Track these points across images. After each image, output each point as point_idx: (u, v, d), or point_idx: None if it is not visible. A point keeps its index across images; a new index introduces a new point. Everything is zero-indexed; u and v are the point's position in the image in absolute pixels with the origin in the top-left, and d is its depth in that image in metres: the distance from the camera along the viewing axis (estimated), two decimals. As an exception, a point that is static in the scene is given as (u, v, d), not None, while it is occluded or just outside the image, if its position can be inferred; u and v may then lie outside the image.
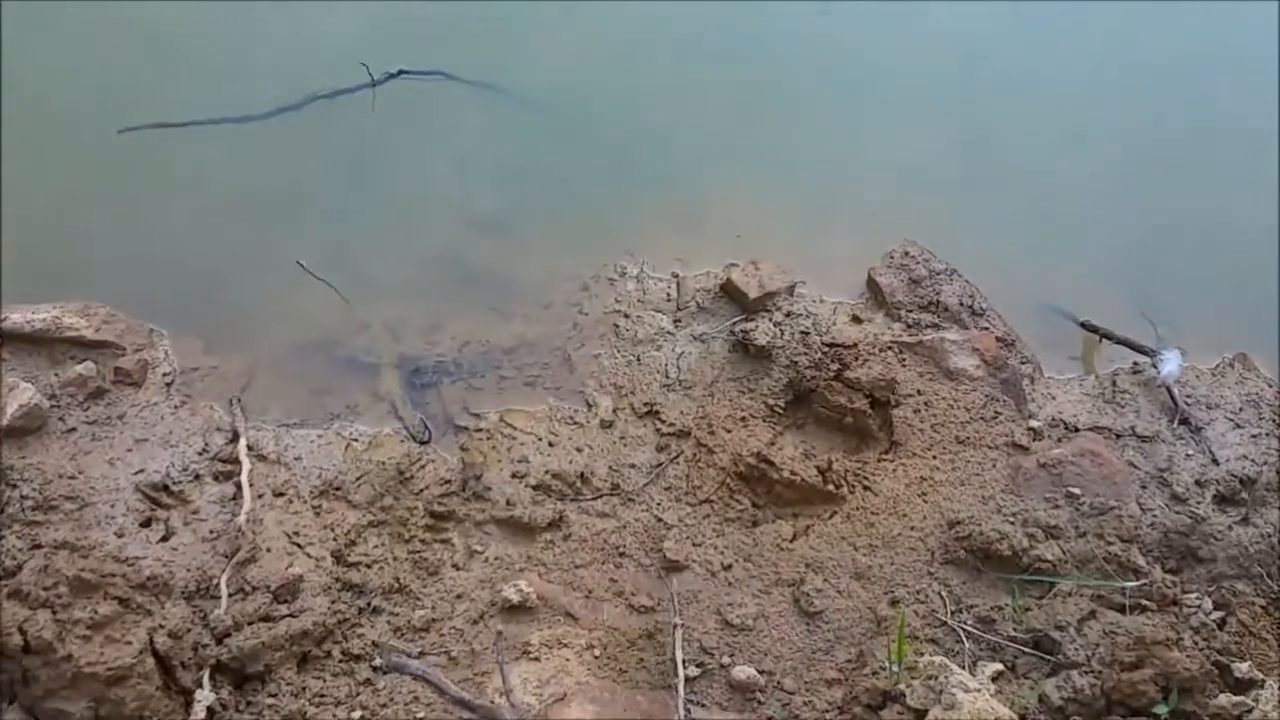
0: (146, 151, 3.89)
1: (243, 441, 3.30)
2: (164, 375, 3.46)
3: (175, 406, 3.40)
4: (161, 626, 2.60)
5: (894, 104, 4.44)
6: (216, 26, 4.26)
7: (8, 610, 2.40)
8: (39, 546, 2.85)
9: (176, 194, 3.87)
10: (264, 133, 4.01)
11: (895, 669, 2.82)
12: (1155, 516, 3.31)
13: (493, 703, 2.84)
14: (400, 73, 4.16)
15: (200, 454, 3.28)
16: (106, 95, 3.99)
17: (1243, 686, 2.80)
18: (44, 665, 2.40)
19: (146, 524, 3.09)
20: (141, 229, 3.78)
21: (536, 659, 3.00)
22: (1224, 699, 2.71)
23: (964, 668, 2.87)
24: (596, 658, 3.02)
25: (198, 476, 3.24)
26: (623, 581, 3.19)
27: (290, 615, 2.89)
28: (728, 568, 3.23)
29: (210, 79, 4.08)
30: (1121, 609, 2.99)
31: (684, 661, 2.99)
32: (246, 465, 3.24)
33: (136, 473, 3.19)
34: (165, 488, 3.17)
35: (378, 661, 2.92)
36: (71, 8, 4.18)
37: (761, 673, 2.99)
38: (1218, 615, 2.97)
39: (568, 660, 3.00)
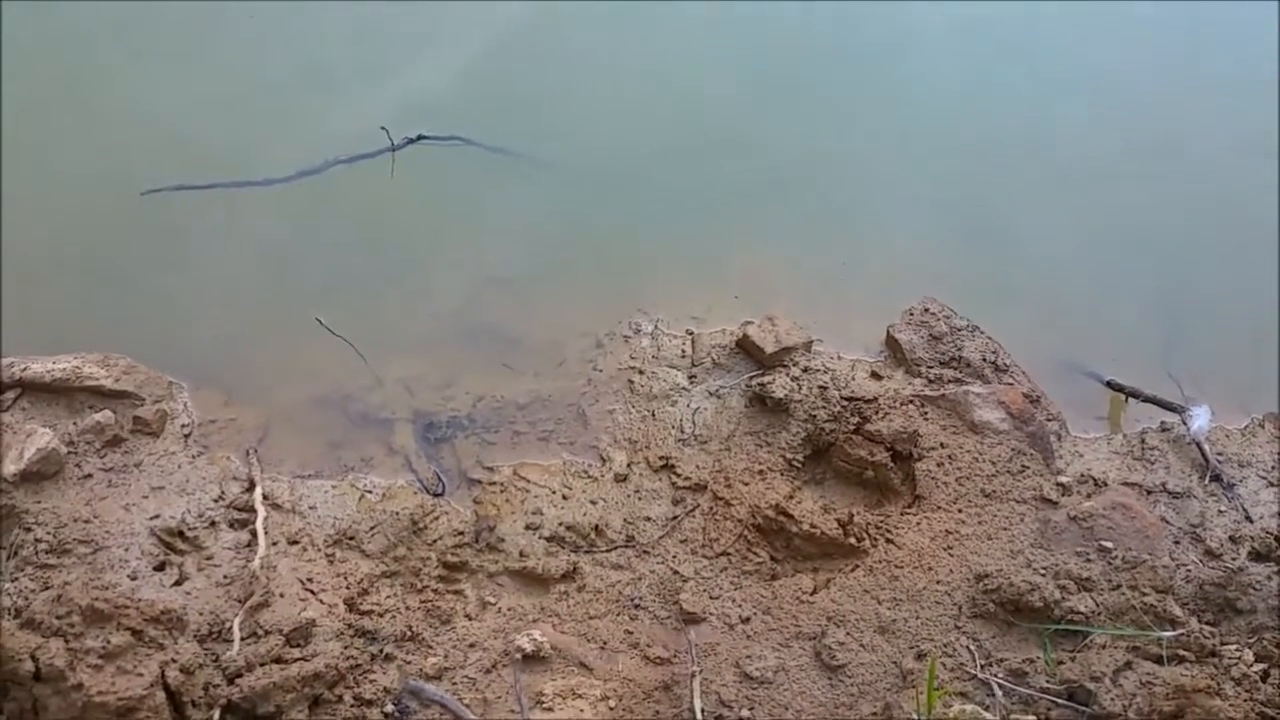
0: (170, 212, 3.94)
1: (258, 490, 3.28)
2: (182, 426, 3.45)
3: (193, 456, 3.38)
4: (174, 661, 2.54)
5: (910, 163, 4.46)
6: (241, 90, 4.36)
7: (19, 638, 2.35)
8: (51, 589, 2.80)
9: (198, 253, 3.90)
10: (285, 195, 4.06)
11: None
12: (1190, 571, 3.23)
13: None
14: (419, 137, 4.22)
15: (216, 501, 3.26)
16: (130, 157, 4.06)
17: (1288, 740, 2.68)
18: (54, 694, 2.34)
19: (160, 568, 3.06)
20: (164, 286, 3.80)
21: (550, 709, 2.91)
22: (1269, 751, 2.59)
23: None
24: (612, 709, 2.93)
25: (213, 523, 3.20)
26: (638, 633, 3.12)
27: (302, 659, 2.82)
28: (746, 620, 3.15)
29: (233, 144, 4.15)
30: (1159, 660, 2.89)
31: (703, 713, 2.89)
32: (261, 513, 3.21)
33: (152, 518, 3.17)
34: (180, 533, 3.14)
35: (389, 708, 2.85)
36: (99, 72, 4.31)
37: (783, 726, 2.89)
38: (1260, 668, 2.86)
39: (582, 711, 2.91)
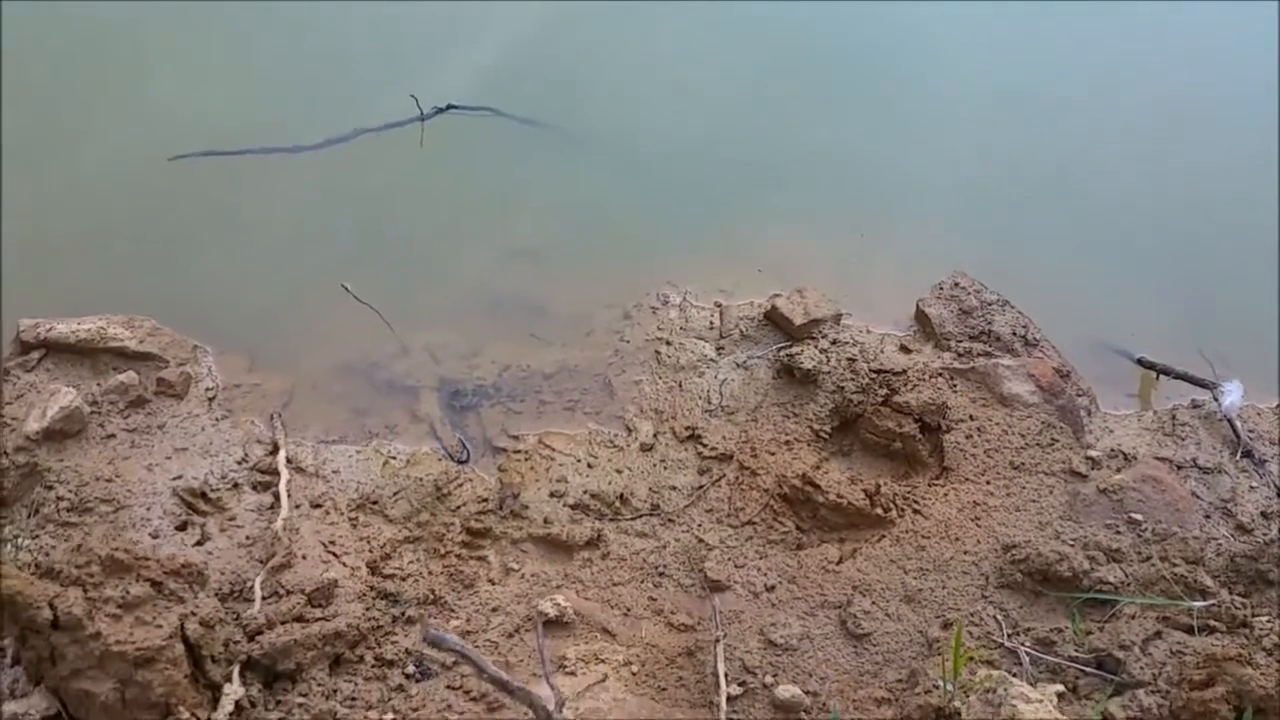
0: (198, 178, 3.95)
1: (282, 453, 3.27)
2: (206, 390, 3.45)
3: (216, 419, 3.38)
4: (194, 614, 2.53)
5: (943, 140, 4.43)
6: (270, 59, 4.36)
7: (38, 586, 2.34)
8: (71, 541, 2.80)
9: (225, 220, 3.91)
10: (313, 164, 4.06)
11: (950, 686, 2.68)
12: (1221, 545, 3.18)
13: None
14: (449, 107, 4.21)
15: (239, 464, 3.25)
16: (159, 123, 4.07)
17: (1321, 712, 2.62)
18: (72, 643, 2.33)
19: (182, 528, 3.05)
20: (190, 253, 3.81)
21: (572, 673, 2.89)
22: (1302, 721, 2.54)
23: (1022, 687, 2.72)
24: (634, 674, 2.91)
25: (236, 485, 3.20)
26: (662, 600, 3.09)
27: (323, 618, 2.81)
28: (771, 589, 3.12)
29: (261, 110, 4.15)
30: (1189, 630, 2.84)
31: (726, 678, 2.86)
32: (285, 476, 3.20)
33: (174, 479, 3.16)
34: (203, 494, 3.14)
35: (410, 669, 2.83)
36: (123, 38, 4.33)
37: (806, 693, 2.86)
38: (1292, 639, 2.81)
39: (604, 676, 2.88)
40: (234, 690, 2.55)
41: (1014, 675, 2.77)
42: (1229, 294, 4.12)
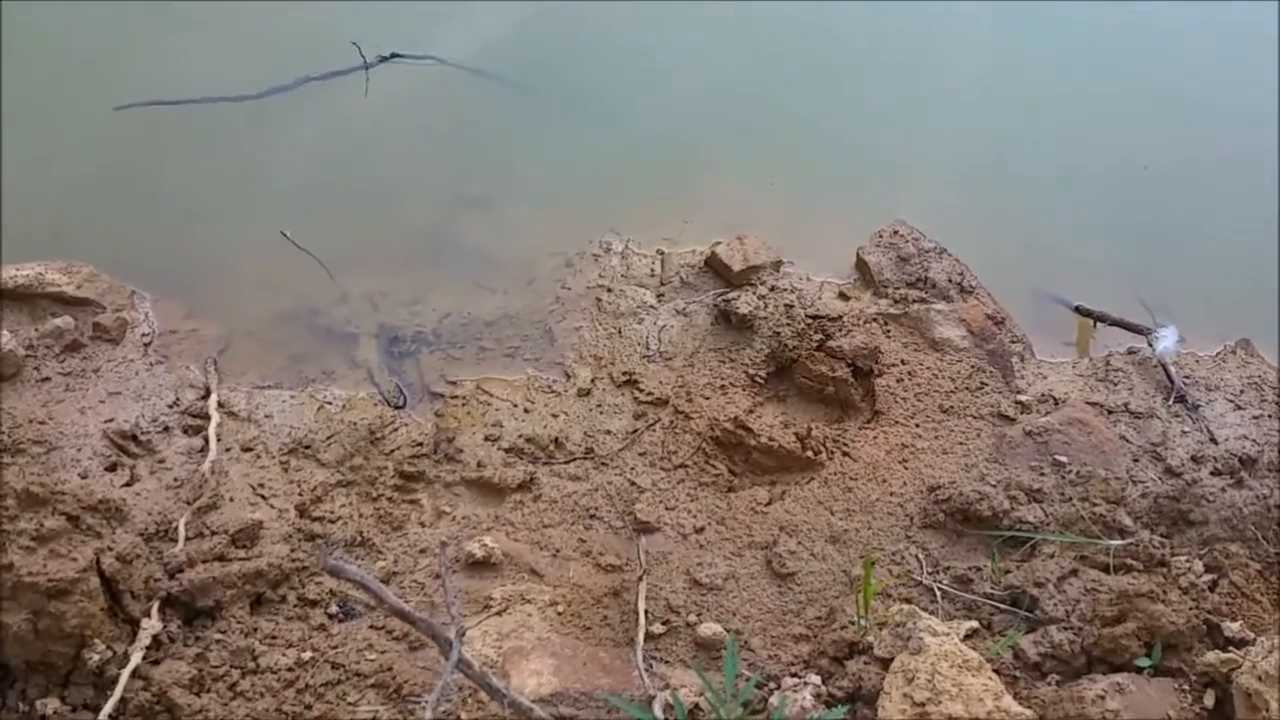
0: (142, 127, 3.94)
1: (213, 397, 3.28)
2: (143, 335, 3.46)
3: (151, 364, 3.39)
4: (110, 549, 2.54)
5: (889, 91, 4.42)
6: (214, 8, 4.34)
7: (-50, 520, 2.36)
8: None
9: (169, 168, 3.91)
10: (257, 112, 4.05)
11: (864, 622, 2.71)
12: (1147, 486, 3.19)
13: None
14: (393, 56, 4.19)
15: (170, 407, 3.26)
16: (104, 72, 4.06)
17: (1233, 646, 2.65)
18: (-17, 575, 2.35)
19: (112, 469, 3.07)
20: (131, 201, 3.83)
21: (498, 613, 2.91)
22: (1212, 656, 2.55)
23: (937, 623, 2.75)
24: (560, 614, 2.93)
25: (167, 429, 3.21)
26: (591, 542, 3.11)
27: (245, 558, 2.83)
28: (700, 530, 3.14)
29: (206, 59, 4.13)
30: (1105, 569, 2.86)
31: (649, 616, 2.89)
32: (215, 419, 3.22)
33: (106, 421, 3.18)
34: (133, 437, 3.15)
35: (333, 609, 2.85)
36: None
37: (728, 631, 2.88)
38: (1209, 578, 2.83)
39: (529, 615, 2.91)
40: (152, 625, 2.58)
41: (930, 612, 2.79)
42: (1172, 245, 4.12)
